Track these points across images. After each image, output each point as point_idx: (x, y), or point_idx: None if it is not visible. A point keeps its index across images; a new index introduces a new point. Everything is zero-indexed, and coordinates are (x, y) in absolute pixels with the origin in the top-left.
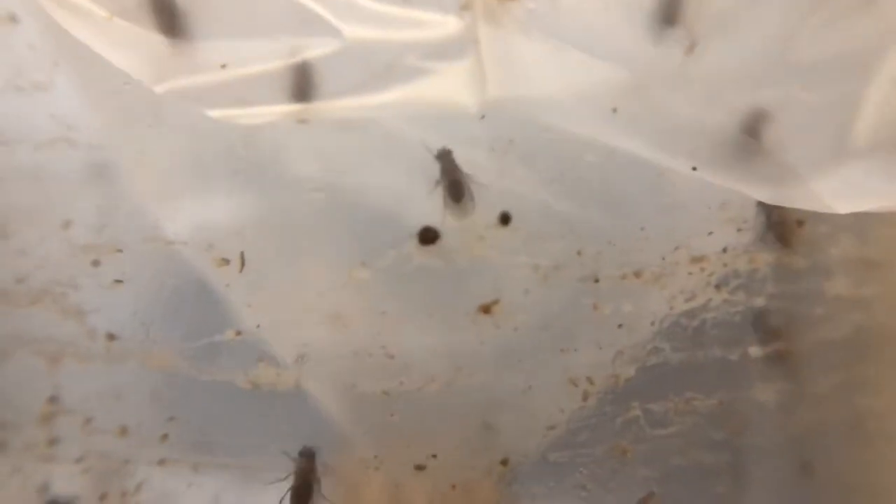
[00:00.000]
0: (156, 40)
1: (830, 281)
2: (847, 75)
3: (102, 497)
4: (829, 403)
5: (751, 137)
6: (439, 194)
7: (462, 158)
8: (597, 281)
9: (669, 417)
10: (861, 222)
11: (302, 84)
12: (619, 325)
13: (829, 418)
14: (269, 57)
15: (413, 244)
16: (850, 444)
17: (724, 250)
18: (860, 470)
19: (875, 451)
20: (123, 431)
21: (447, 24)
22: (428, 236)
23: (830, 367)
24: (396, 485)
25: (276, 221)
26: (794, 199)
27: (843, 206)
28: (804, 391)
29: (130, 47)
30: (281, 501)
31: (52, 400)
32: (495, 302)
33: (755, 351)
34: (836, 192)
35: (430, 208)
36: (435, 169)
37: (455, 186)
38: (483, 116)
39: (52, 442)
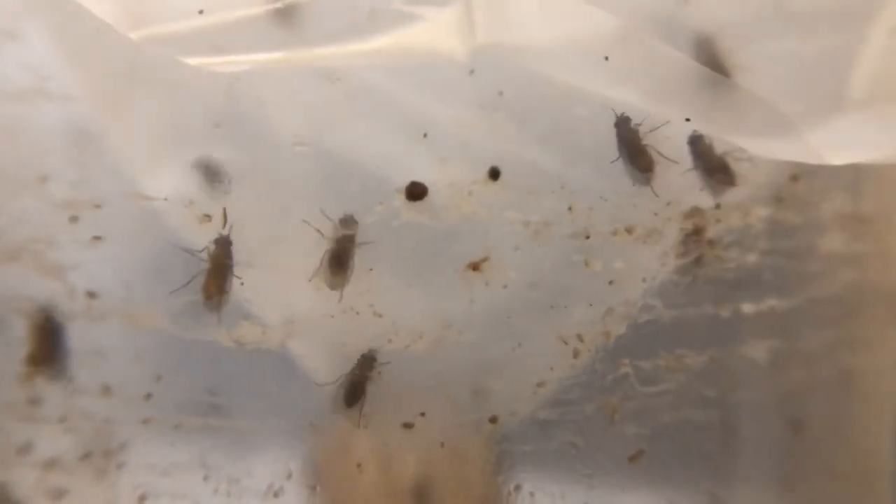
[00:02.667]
0: None
1: (824, 237)
2: (844, 26)
3: (85, 456)
4: (820, 361)
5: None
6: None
7: (450, 111)
8: (588, 237)
9: (660, 375)
10: (856, 178)
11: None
12: (611, 282)
13: (821, 376)
14: (248, 2)
15: (400, 200)
16: (842, 402)
17: (717, 206)
18: (852, 428)
19: (867, 410)
20: (106, 391)
21: None
22: (415, 192)
23: (823, 324)
24: (384, 443)
25: (259, 176)
26: (789, 151)
27: (838, 158)
28: (796, 348)
29: None
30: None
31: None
32: (484, 259)
33: (748, 308)
34: (831, 144)
35: (417, 163)
36: (422, 121)
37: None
38: (472, 71)
39: (34, 402)
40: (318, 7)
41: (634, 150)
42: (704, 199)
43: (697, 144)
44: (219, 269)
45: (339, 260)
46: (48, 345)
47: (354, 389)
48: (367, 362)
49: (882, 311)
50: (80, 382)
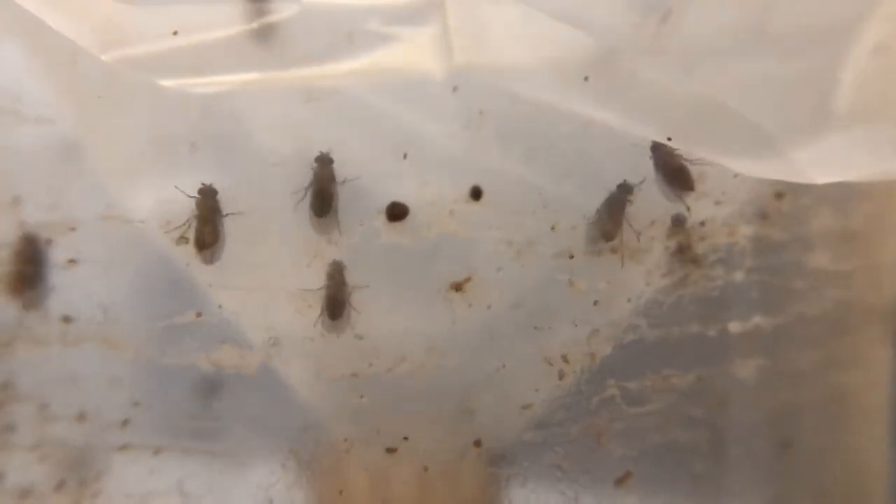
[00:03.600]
0: (103, 6)
1: (810, 254)
2: (826, 45)
3: (60, 485)
4: (809, 380)
5: None
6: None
7: (431, 130)
8: (572, 257)
9: (647, 395)
10: (841, 195)
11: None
12: (595, 302)
13: (810, 395)
14: (223, 23)
15: (381, 220)
16: (830, 421)
17: (702, 224)
18: (841, 448)
19: (855, 428)
20: (82, 417)
21: None
22: (396, 212)
23: (811, 342)
24: (367, 468)
25: (239, 197)
26: (773, 170)
27: (821, 177)
28: (784, 367)
29: (76, 13)
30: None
31: (5, 386)
32: (467, 279)
33: (734, 326)
34: (814, 163)
35: (398, 183)
36: (403, 141)
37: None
38: (455, 88)
39: (6, 429)
40: (297, 27)
41: (675, 172)
42: (689, 218)
43: (658, 152)
44: (209, 217)
45: (335, 301)
46: (29, 269)
47: (335, 301)
48: (337, 270)
49: (871, 329)
50: (54, 409)
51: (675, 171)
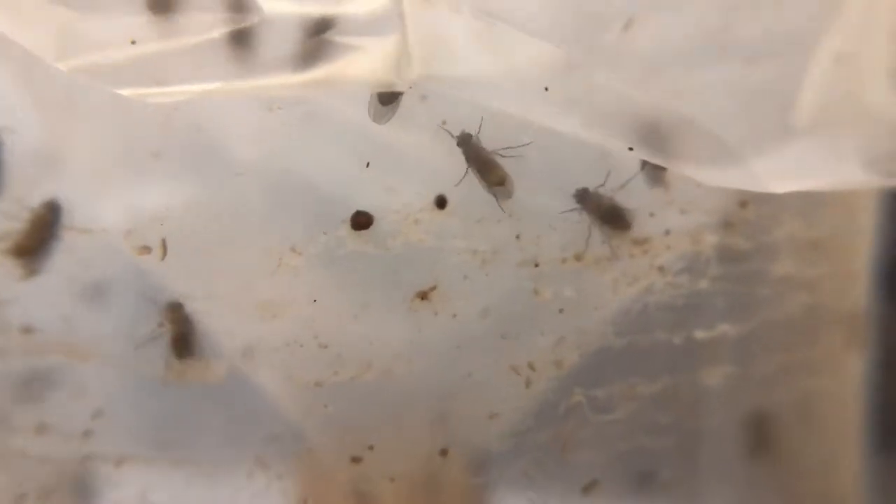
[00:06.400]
0: (59, 14)
1: (776, 262)
2: (788, 54)
3: (20, 498)
4: (777, 386)
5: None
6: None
7: (395, 138)
8: (537, 265)
9: (614, 403)
10: (806, 203)
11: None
12: (561, 310)
13: (778, 401)
14: (182, 32)
15: (345, 229)
16: (799, 427)
17: (667, 232)
18: (811, 452)
19: (824, 433)
20: (42, 428)
21: None
22: (360, 221)
23: (777, 348)
24: (332, 478)
25: (201, 206)
26: (734, 179)
27: (783, 186)
28: (751, 373)
29: (31, 21)
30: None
31: None
32: (433, 288)
33: (700, 334)
34: (776, 172)
35: (362, 192)
36: (369, 150)
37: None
38: (423, 98)
39: None
40: (257, 37)
41: (608, 214)
42: (653, 227)
43: (585, 198)
44: (40, 228)
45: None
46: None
47: (184, 340)
48: (177, 310)
49: (837, 334)
50: (14, 420)
51: (608, 215)
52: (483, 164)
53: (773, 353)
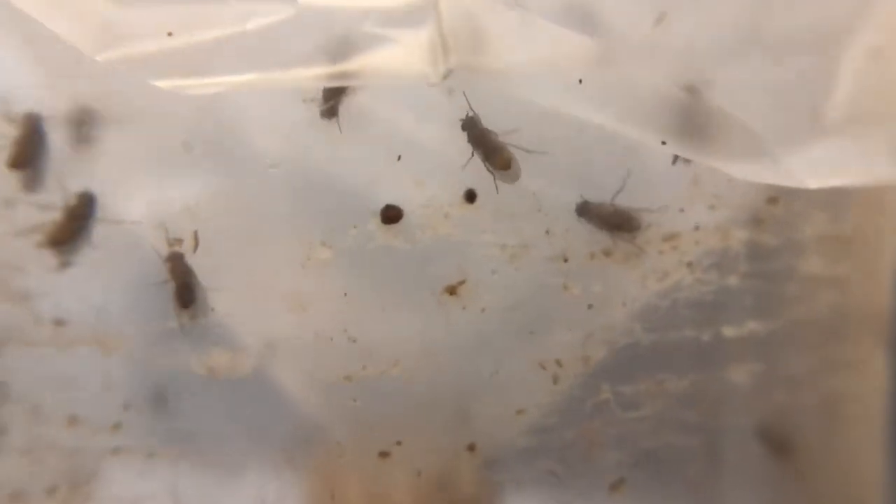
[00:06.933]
0: (98, 6)
1: (804, 259)
2: (820, 48)
3: (51, 490)
4: (804, 385)
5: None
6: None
7: (425, 132)
8: (566, 260)
9: (641, 400)
10: (835, 200)
11: None
12: (589, 306)
13: (805, 400)
14: (218, 24)
15: (375, 223)
16: (826, 426)
17: (697, 228)
18: (837, 453)
19: (851, 433)
20: (73, 421)
21: None
22: (390, 215)
23: (805, 347)
24: (360, 473)
25: (232, 199)
26: (766, 174)
27: (815, 182)
28: (778, 372)
29: (71, 14)
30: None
31: None
32: (461, 282)
33: (728, 331)
34: (808, 168)
35: (393, 186)
36: (398, 144)
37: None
38: (451, 91)
39: None
40: (291, 29)
41: (612, 220)
42: (682, 222)
43: (586, 211)
44: (74, 219)
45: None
46: (30, 148)
47: (186, 288)
48: (177, 259)
49: (865, 333)
50: (46, 412)
51: (615, 224)
52: (488, 147)
53: (801, 351)
